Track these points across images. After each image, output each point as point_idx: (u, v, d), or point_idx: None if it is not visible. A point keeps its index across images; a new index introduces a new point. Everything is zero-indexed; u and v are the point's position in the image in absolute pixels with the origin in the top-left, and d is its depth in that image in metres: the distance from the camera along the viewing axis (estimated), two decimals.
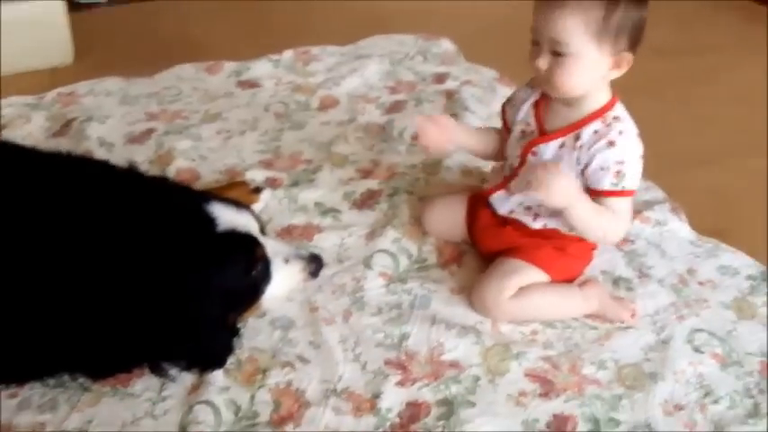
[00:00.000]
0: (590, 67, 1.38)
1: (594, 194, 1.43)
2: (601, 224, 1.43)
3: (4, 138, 1.89)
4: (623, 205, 1.44)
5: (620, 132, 1.40)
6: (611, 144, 1.40)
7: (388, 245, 1.64)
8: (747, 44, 2.81)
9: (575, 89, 1.41)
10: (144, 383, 1.34)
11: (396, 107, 2.17)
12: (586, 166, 1.42)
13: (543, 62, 1.39)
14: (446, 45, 2.54)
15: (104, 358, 1.31)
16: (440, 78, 2.32)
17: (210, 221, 1.34)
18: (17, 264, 1.24)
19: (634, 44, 1.39)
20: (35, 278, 1.24)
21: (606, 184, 1.41)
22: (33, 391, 1.32)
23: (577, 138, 1.43)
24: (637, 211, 1.78)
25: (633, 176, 1.42)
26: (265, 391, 1.34)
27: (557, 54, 1.37)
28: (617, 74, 1.41)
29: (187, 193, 1.42)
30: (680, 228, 1.77)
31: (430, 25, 2.70)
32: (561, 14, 1.34)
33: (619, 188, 1.41)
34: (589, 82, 1.41)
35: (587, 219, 1.42)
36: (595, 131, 1.42)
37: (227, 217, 1.36)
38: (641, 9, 1.37)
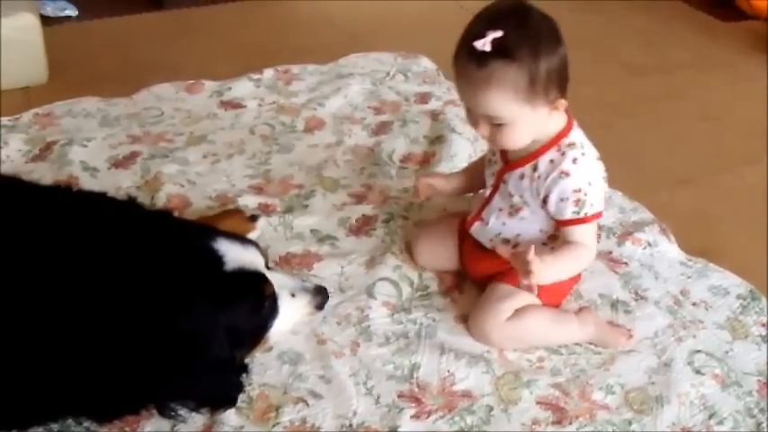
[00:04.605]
0: (529, 124, 1.37)
1: (560, 224, 1.45)
2: (571, 265, 1.46)
3: None
4: (588, 231, 1.45)
5: (574, 160, 1.41)
6: (565, 174, 1.40)
7: (389, 273, 1.64)
8: (710, 60, 2.89)
9: (520, 144, 1.42)
10: (153, 425, 1.31)
11: (382, 128, 2.17)
12: (546, 197, 1.43)
13: (483, 130, 1.40)
14: (425, 63, 2.56)
15: (110, 400, 1.27)
16: (423, 98, 2.33)
17: (218, 260, 1.32)
18: (17, 303, 1.19)
19: (564, 86, 1.38)
20: (36, 318, 1.19)
21: (568, 213, 1.42)
22: None
23: (535, 168, 1.44)
24: (627, 233, 1.83)
25: (595, 201, 1.42)
26: (280, 429, 1.32)
27: (494, 124, 1.37)
28: (557, 114, 1.41)
29: (192, 230, 1.39)
30: (669, 249, 1.81)
31: (404, 43, 2.70)
32: (487, 93, 1.31)
33: (581, 215, 1.42)
34: (532, 133, 1.41)
35: (559, 271, 1.43)
36: (551, 161, 1.42)
37: (234, 254, 1.34)
38: (559, 49, 1.34)
